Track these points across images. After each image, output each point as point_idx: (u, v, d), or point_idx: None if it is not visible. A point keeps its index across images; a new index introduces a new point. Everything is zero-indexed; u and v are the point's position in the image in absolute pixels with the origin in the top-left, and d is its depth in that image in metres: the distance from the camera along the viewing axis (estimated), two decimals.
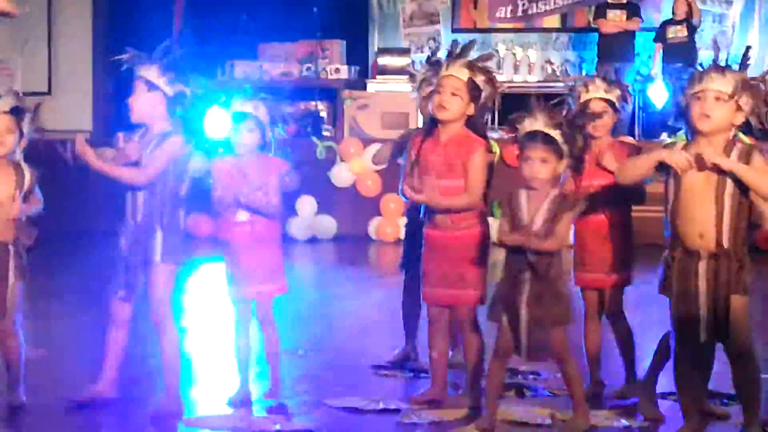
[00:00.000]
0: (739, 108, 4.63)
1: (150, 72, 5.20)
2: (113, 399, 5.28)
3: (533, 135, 4.85)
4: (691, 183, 4.63)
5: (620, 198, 5.45)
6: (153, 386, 5.49)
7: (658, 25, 13.35)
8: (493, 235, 5.18)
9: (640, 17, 13.29)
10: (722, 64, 4.69)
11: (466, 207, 5.20)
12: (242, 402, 5.38)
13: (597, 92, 5.56)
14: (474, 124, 5.33)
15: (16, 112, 5.18)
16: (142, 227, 5.17)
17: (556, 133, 4.83)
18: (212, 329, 7.22)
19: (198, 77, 5.29)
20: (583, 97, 5.54)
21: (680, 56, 12.42)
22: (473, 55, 5.35)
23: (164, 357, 5.25)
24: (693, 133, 4.70)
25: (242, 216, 5.32)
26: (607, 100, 5.55)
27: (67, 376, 5.82)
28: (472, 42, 5.40)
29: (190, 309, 7.95)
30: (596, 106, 5.48)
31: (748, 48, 4.88)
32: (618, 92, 5.63)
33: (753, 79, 4.70)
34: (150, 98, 5.21)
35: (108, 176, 5.12)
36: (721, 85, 4.62)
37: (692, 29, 13.02)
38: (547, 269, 4.78)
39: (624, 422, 5.10)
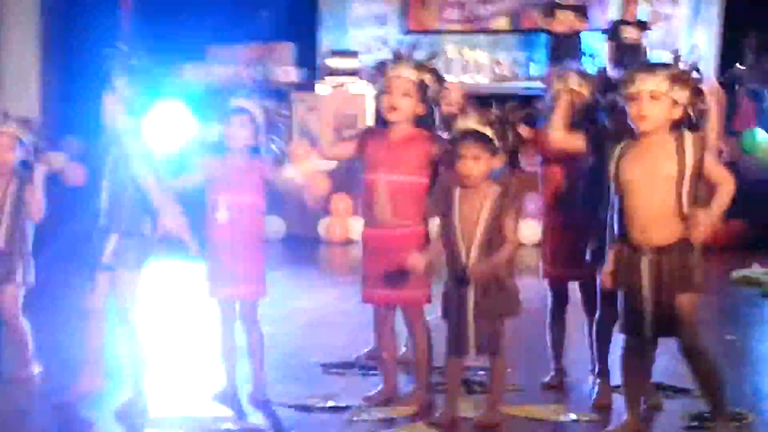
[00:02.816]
0: (675, 103, 4.62)
1: (114, 74, 5.23)
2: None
3: (465, 133, 4.89)
4: (632, 179, 4.63)
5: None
6: (121, 383, 5.46)
7: (607, 25, 13.52)
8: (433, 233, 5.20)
9: (588, 19, 13.47)
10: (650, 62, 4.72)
11: None
12: (230, 399, 5.38)
13: (569, 85, 5.48)
14: (424, 122, 5.34)
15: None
16: (102, 231, 5.20)
17: (487, 131, 4.87)
18: (174, 329, 7.17)
19: (153, 79, 5.30)
20: (553, 89, 5.52)
21: (633, 57, 12.54)
22: (419, 55, 5.35)
23: (131, 355, 5.29)
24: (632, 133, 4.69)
25: (222, 216, 5.29)
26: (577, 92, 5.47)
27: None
28: (418, 42, 5.42)
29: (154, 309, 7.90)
30: (564, 99, 5.44)
31: (693, 47, 4.89)
32: (591, 88, 5.51)
33: (683, 72, 4.67)
34: (111, 100, 5.23)
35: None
36: (654, 84, 4.61)
37: (643, 30, 13.20)
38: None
39: (572, 416, 5.13)
